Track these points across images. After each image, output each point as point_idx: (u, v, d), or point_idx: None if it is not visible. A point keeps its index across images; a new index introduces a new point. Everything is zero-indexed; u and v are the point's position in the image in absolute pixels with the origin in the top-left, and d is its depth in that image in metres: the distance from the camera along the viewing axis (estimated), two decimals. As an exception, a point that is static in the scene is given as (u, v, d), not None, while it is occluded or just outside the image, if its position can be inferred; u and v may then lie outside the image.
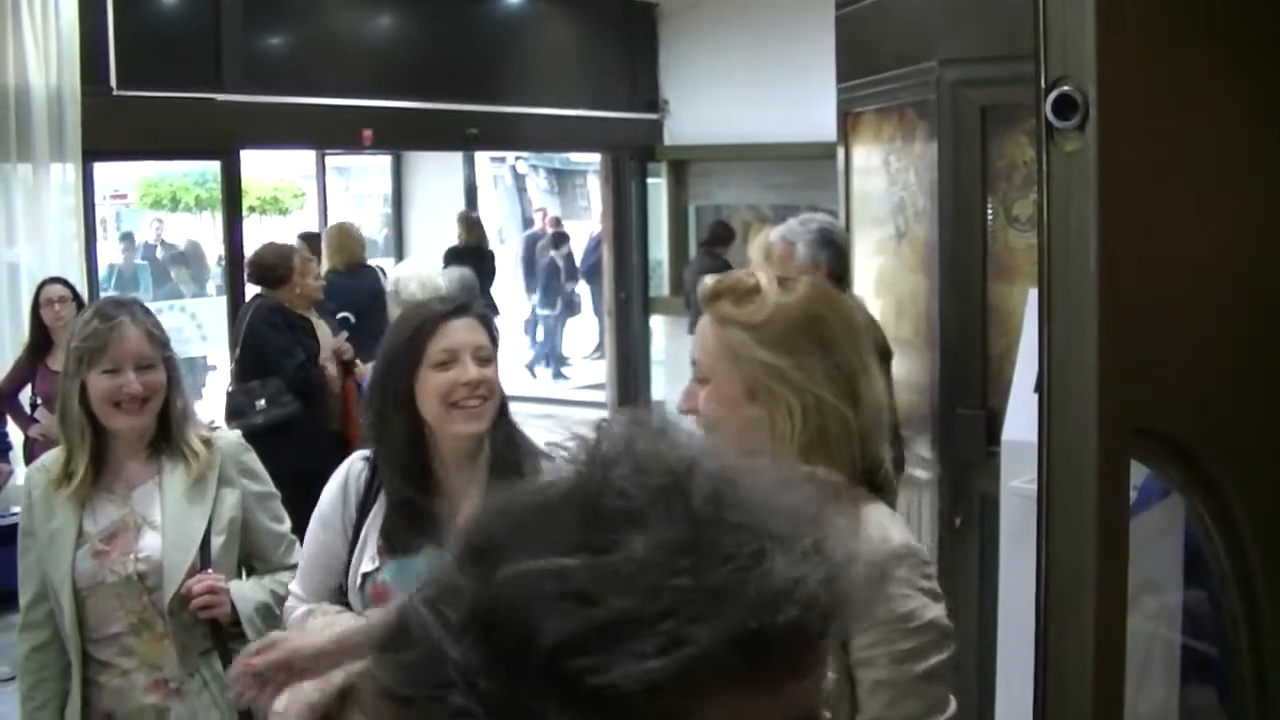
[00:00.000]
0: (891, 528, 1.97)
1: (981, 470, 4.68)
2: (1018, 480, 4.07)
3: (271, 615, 3.05)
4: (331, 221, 13.47)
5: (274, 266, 6.89)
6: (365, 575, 2.62)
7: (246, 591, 3.02)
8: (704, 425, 2.01)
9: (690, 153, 11.55)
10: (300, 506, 6.78)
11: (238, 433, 3.33)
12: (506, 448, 2.66)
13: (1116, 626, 1.41)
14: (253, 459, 3.20)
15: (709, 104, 11.02)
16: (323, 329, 7.23)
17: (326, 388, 6.82)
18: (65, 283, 6.49)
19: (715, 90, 10.90)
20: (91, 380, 2.97)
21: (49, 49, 7.09)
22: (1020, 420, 4.09)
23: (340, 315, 7.43)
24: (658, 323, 11.98)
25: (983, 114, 4.72)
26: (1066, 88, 1.28)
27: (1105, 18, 1.25)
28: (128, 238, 11.96)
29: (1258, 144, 1.33)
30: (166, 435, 3.05)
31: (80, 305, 6.44)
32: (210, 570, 2.97)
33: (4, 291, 7.18)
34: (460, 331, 2.66)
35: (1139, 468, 1.48)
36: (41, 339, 6.39)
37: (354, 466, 2.76)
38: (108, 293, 10.51)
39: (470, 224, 12.03)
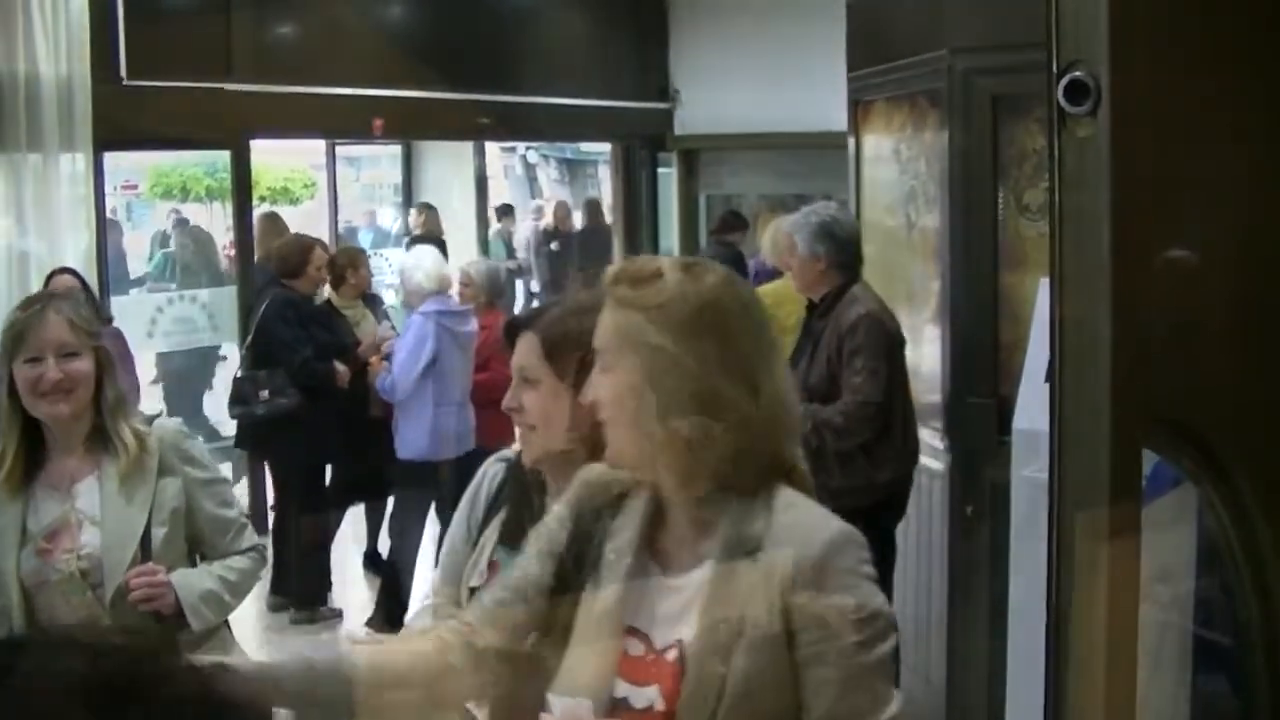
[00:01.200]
0: (828, 515, 1.92)
1: (993, 459, 4.68)
2: (1029, 469, 4.07)
3: (219, 603, 3.00)
4: (341, 213, 13.49)
5: (287, 258, 6.94)
6: (472, 589, 2.46)
7: (192, 580, 2.99)
8: (604, 416, 1.95)
9: (701, 142, 11.53)
10: (305, 499, 6.80)
11: (178, 420, 3.26)
12: None
13: (1128, 616, 1.40)
14: (195, 446, 3.15)
15: (720, 93, 11.01)
16: (368, 320, 7.30)
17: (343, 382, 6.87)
18: (75, 273, 6.49)
19: (726, 79, 10.88)
20: (16, 369, 2.93)
21: (59, 38, 7.09)
22: (1031, 409, 4.08)
23: (386, 307, 7.53)
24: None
25: (994, 102, 4.71)
26: (1079, 73, 1.27)
27: (1118, 1, 1.24)
28: (182, 224, 11.87)
29: (1271, 130, 1.32)
30: (102, 427, 2.99)
31: (90, 295, 6.46)
32: (151, 563, 2.92)
33: (14, 281, 7.18)
34: (517, 351, 2.47)
35: (1150, 454, 1.47)
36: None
37: (491, 468, 2.63)
38: (161, 284, 10.47)
39: (429, 213, 12.24)
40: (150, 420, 3.12)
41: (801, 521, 1.88)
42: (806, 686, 1.83)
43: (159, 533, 2.97)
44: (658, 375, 1.89)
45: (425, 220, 12.06)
